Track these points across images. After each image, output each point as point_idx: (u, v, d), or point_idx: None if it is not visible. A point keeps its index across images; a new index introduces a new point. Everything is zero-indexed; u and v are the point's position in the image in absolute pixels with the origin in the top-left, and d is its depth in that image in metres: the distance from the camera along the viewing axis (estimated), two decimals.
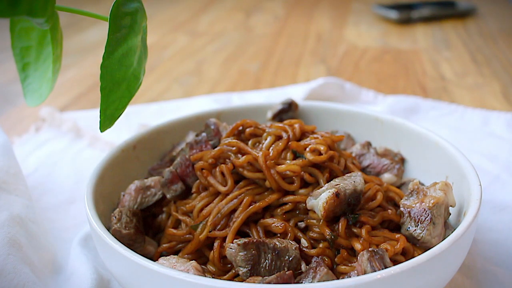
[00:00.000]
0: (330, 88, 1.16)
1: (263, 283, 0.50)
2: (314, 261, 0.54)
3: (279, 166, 0.61)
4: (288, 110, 0.81)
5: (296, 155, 0.63)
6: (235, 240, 0.55)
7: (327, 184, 0.59)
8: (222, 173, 0.63)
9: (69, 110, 1.20)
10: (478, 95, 1.24)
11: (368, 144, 0.75)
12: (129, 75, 0.53)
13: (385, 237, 0.58)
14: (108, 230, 0.57)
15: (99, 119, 0.51)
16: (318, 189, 0.59)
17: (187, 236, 0.62)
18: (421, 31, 1.81)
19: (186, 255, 0.61)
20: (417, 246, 0.58)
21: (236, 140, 0.64)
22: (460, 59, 1.51)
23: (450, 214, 0.61)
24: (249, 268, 0.53)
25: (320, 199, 0.57)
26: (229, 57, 1.61)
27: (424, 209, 0.58)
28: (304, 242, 0.58)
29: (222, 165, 0.63)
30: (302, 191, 0.61)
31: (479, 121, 1.07)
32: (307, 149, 0.62)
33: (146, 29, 0.56)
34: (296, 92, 1.16)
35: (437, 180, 0.62)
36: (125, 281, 0.56)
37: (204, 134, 0.70)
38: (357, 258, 0.54)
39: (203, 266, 0.58)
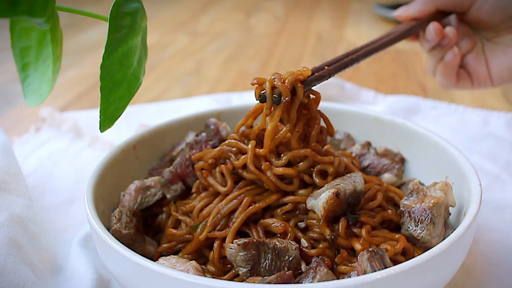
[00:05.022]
0: (330, 88, 1.16)
1: (263, 283, 0.50)
2: (314, 261, 0.54)
3: (276, 168, 0.60)
4: None
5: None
6: (235, 240, 0.55)
7: (327, 184, 0.59)
8: (222, 174, 0.63)
9: (69, 110, 1.20)
10: (478, 95, 1.24)
11: (368, 144, 0.75)
12: (129, 75, 0.53)
13: (385, 237, 0.58)
14: (108, 230, 0.57)
15: (99, 119, 0.51)
16: (318, 189, 0.59)
17: (187, 236, 0.62)
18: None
19: (186, 255, 0.61)
20: (417, 246, 0.58)
21: (235, 141, 0.64)
22: None
23: (450, 214, 0.61)
24: (249, 268, 0.53)
25: (320, 199, 0.57)
26: (229, 57, 1.61)
27: (424, 209, 0.58)
28: (304, 242, 0.58)
29: (222, 165, 0.63)
30: (302, 191, 0.61)
31: (479, 121, 1.07)
32: (314, 169, 0.61)
33: (146, 29, 0.56)
34: None
35: (437, 180, 0.62)
36: (125, 281, 0.56)
37: (204, 134, 0.70)
38: (357, 258, 0.54)
39: (203, 266, 0.58)
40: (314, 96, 0.63)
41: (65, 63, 0.65)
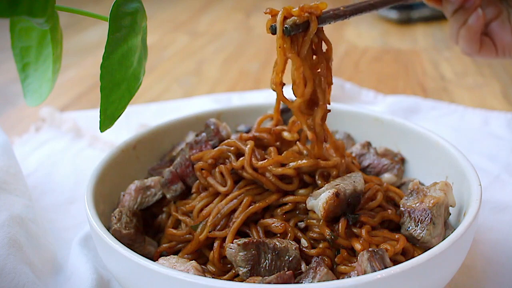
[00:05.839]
0: None
1: (263, 283, 0.50)
2: (314, 261, 0.54)
3: (275, 169, 0.60)
4: (288, 110, 0.81)
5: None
6: (235, 240, 0.55)
7: (327, 184, 0.59)
8: (222, 174, 0.63)
9: (69, 110, 1.20)
10: (478, 95, 1.24)
11: (368, 144, 0.75)
12: (129, 75, 0.53)
13: (385, 237, 0.58)
14: (108, 230, 0.57)
15: (99, 119, 0.51)
16: (318, 189, 0.59)
17: (187, 236, 0.62)
18: (421, 31, 1.81)
19: (186, 255, 0.61)
20: (417, 246, 0.58)
21: (234, 140, 0.64)
22: (460, 59, 1.51)
23: (450, 214, 0.61)
24: (249, 268, 0.53)
25: (320, 199, 0.57)
26: (229, 57, 1.61)
27: (424, 209, 0.58)
28: (304, 242, 0.58)
29: (221, 165, 0.63)
30: (302, 191, 0.61)
31: (479, 121, 1.07)
32: (317, 172, 0.62)
33: (146, 29, 0.56)
34: None
35: (437, 180, 0.62)
36: (125, 281, 0.56)
37: (204, 134, 0.70)
38: (357, 258, 0.54)
39: (203, 266, 0.58)
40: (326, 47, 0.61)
41: (65, 63, 0.65)
